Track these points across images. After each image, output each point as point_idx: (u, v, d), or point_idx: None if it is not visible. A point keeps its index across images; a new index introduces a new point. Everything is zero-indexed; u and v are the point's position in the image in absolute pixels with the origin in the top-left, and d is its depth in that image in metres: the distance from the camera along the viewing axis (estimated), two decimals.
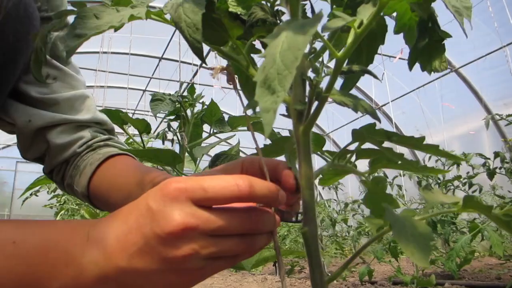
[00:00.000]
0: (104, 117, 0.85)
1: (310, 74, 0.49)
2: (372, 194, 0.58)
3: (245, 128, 1.19)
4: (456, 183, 3.63)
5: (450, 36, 0.52)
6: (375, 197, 0.57)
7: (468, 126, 7.58)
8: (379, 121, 0.47)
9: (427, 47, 0.53)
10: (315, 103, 0.47)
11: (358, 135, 0.50)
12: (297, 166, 0.51)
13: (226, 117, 1.21)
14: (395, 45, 7.18)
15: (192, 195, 0.41)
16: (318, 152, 0.59)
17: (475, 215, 3.14)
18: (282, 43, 0.33)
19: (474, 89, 7.50)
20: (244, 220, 0.43)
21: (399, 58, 6.76)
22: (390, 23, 0.55)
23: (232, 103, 7.94)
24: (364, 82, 8.64)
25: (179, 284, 0.44)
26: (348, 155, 0.54)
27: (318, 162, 0.58)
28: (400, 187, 3.99)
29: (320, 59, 0.50)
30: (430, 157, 3.90)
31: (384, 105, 8.17)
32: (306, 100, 0.48)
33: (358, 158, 0.55)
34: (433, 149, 0.51)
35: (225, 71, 0.48)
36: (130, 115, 1.20)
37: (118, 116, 1.16)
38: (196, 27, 0.40)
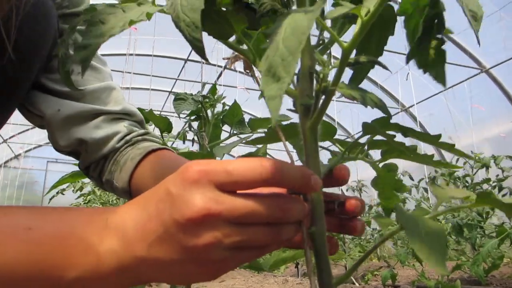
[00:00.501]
0: (133, 108, 0.85)
1: (318, 68, 0.47)
2: (381, 178, 0.56)
3: (265, 130, 1.19)
4: (485, 186, 3.53)
5: (451, 32, 0.50)
6: (384, 181, 0.56)
7: (499, 128, 7.37)
8: (390, 116, 0.46)
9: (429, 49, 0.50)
10: (323, 97, 0.45)
11: (369, 128, 0.49)
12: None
13: (247, 118, 1.21)
14: None
15: (215, 178, 0.38)
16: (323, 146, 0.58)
17: (505, 219, 3.04)
18: (285, 29, 0.32)
19: (505, 90, 7.28)
20: (271, 207, 0.39)
21: None
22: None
23: (255, 105, 7.95)
24: (391, 83, 8.50)
25: (200, 275, 0.41)
26: (360, 147, 0.53)
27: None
28: (426, 190, 3.91)
29: (328, 52, 0.49)
30: (458, 159, 3.80)
31: (411, 106, 8.04)
32: (314, 95, 0.46)
33: (370, 149, 0.53)
34: (448, 147, 0.50)
35: (241, 59, 0.47)
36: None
37: None
38: (196, 25, 0.38)
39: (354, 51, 0.52)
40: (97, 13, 0.46)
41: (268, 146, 1.14)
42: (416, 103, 7.93)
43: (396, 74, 7.73)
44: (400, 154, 0.55)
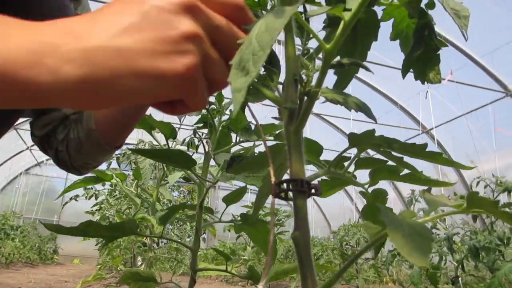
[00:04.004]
0: None
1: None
2: (371, 207, 0.55)
3: (271, 137, 1.17)
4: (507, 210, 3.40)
5: (446, 45, 0.52)
6: (375, 210, 0.54)
7: None
8: (375, 120, 0.45)
9: (422, 56, 0.53)
10: (306, 101, 0.46)
11: (355, 139, 0.48)
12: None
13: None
14: (444, 67, 6.99)
15: None
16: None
17: None
18: (259, 26, 0.34)
19: None
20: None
21: (448, 80, 6.54)
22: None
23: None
24: (411, 105, 8.41)
25: (166, 75, 0.36)
26: (346, 164, 0.52)
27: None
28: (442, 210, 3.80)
29: (312, 58, 0.50)
30: (478, 183, 3.70)
31: (432, 129, 7.91)
32: (298, 100, 0.47)
33: (357, 168, 0.53)
34: (437, 157, 0.49)
35: None
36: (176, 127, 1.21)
37: (145, 121, 1.17)
38: None
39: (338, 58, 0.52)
40: None
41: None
42: (438, 126, 7.81)
43: (418, 95, 7.64)
44: (390, 174, 0.55)
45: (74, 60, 0.33)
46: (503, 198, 3.58)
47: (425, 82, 0.57)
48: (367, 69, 0.48)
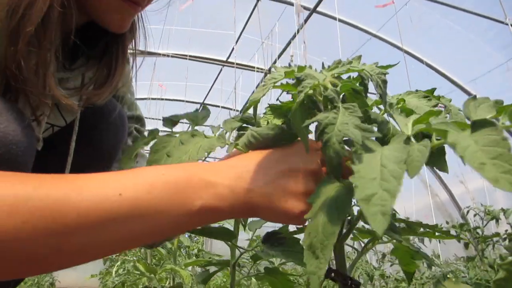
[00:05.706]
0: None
1: None
2: (398, 248, 0.71)
3: None
4: (495, 239, 3.56)
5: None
6: (401, 250, 0.71)
7: None
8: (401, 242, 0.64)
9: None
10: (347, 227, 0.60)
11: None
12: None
13: None
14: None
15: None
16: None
17: None
18: (322, 216, 0.42)
19: None
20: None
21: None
22: None
23: None
24: None
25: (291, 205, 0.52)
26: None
27: None
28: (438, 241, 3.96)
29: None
30: (468, 211, 3.90)
31: None
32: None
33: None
34: (450, 235, 0.65)
35: None
36: None
37: None
38: None
39: None
40: (158, 142, 0.61)
41: None
42: None
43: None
44: (409, 233, 0.69)
45: (240, 197, 0.52)
46: (492, 225, 3.76)
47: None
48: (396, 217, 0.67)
